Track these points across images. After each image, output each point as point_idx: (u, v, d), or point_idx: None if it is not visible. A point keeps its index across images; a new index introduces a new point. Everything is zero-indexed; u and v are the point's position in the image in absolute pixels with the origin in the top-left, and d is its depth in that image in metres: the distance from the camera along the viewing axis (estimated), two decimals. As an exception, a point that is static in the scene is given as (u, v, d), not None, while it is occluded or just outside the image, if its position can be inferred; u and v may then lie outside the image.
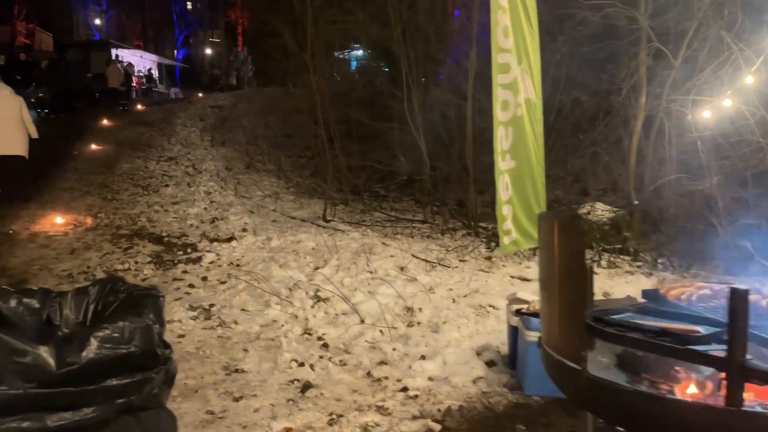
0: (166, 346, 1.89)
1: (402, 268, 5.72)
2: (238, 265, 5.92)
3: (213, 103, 19.49)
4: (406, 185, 10.95)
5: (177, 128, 14.97)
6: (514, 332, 3.55)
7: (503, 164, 3.35)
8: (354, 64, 19.55)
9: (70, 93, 16.28)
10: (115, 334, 1.66)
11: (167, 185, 9.44)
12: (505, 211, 3.46)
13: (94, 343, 1.62)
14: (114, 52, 23.54)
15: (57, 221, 7.07)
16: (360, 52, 17.52)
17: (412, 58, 7.93)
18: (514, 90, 3.32)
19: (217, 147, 13.10)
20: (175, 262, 6.01)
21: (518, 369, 3.46)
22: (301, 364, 3.70)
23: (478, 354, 3.80)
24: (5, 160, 7.56)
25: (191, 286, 5.31)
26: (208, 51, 45.96)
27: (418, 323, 4.40)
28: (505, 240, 3.57)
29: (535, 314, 3.03)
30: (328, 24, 8.79)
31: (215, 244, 6.60)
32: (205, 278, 5.53)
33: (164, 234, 6.95)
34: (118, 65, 19.46)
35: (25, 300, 1.92)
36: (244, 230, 7.14)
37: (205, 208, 8.23)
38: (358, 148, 10.58)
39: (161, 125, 15.22)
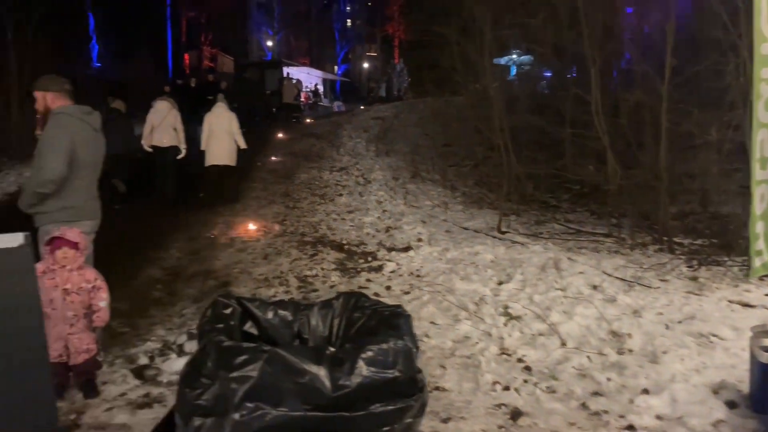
0: (419, 371, 1.78)
1: (595, 287, 5.25)
2: (418, 276, 5.86)
3: (374, 114, 20.10)
4: (579, 195, 10.29)
5: (344, 139, 15.60)
6: (763, 370, 3.00)
7: (762, 174, 2.83)
8: (513, 69, 19.02)
9: (251, 109, 17.74)
10: (380, 357, 1.57)
11: (341, 194, 9.78)
12: (758, 228, 2.93)
13: (362, 365, 1.53)
14: (285, 70, 25.37)
15: (249, 227, 7.59)
16: (520, 57, 16.97)
17: (597, 59, 7.36)
18: (778, 86, 2.80)
19: (382, 157, 13.39)
20: (358, 270, 6.11)
21: (775, 416, 2.90)
22: (506, 388, 3.47)
23: (715, 392, 3.28)
24: (218, 169, 8.67)
25: (377, 295, 5.32)
26: (366, 65, 47.96)
27: (630, 351, 3.95)
28: (756, 261, 3.04)
29: None
30: (503, 28, 8.51)
31: (393, 253, 6.63)
32: (388, 288, 5.54)
33: (344, 242, 7.14)
34: (292, 81, 20.90)
35: (280, 312, 1.92)
36: (420, 240, 7.09)
37: (379, 217, 8.36)
38: (527, 157, 10.15)
39: (329, 137, 15.97)
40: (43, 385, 1.70)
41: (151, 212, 8.40)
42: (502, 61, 16.39)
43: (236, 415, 1.40)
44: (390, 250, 6.78)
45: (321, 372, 1.47)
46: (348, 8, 46.32)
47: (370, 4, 46.23)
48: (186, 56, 36.15)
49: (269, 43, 42.11)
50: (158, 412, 3.33)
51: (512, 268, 5.87)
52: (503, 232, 7.57)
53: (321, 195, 9.75)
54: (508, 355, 3.97)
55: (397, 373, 1.57)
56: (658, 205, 7.33)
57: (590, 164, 9.15)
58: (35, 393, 1.64)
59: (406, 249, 6.76)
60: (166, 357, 4.01)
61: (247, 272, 6.01)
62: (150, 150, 8.65)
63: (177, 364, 3.92)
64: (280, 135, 15.81)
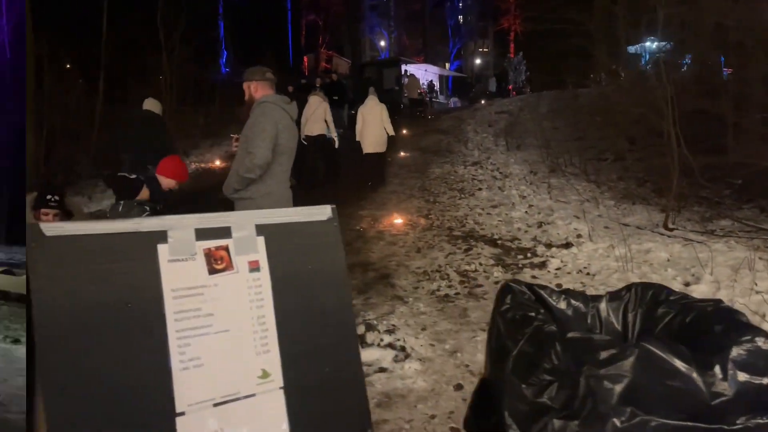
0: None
1: (804, 291, 4.57)
2: (588, 273, 5.46)
3: (498, 109, 19.58)
4: (741, 189, 9.27)
5: (470, 134, 15.29)
6: None
7: None
8: (646, 57, 17.75)
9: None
10: (751, 361, 1.28)
11: (480, 189, 9.49)
12: None
13: (734, 369, 1.26)
14: (403, 67, 25.45)
15: (395, 221, 7.52)
16: (654, 44, 15.75)
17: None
18: None
19: (513, 151, 12.93)
20: (519, 266, 5.81)
21: None
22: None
23: None
24: (370, 157, 9.37)
25: (548, 292, 5.00)
26: (477, 60, 47.12)
27: None
28: None
29: None
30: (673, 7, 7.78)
31: (553, 249, 6.25)
32: (559, 285, 5.18)
33: (496, 237, 6.86)
34: (413, 77, 21.00)
35: (573, 301, 1.70)
36: (579, 236, 6.64)
37: (526, 212, 7.97)
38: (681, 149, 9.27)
39: (454, 132, 15.73)
40: (356, 373, 1.57)
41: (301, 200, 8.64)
42: (631, 49, 15.33)
43: (616, 421, 1.19)
44: (548, 246, 6.40)
45: (693, 374, 1.22)
46: (461, 4, 45.79)
47: (483, -2, 45.38)
48: (305, 59, 37.49)
49: (382, 43, 42.66)
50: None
51: (696, 267, 5.30)
52: (671, 229, 6.91)
53: (459, 189, 9.52)
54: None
55: (769, 380, 1.29)
56: None
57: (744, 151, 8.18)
58: (348, 382, 1.51)
59: (567, 245, 6.34)
60: (350, 347, 3.94)
61: (404, 265, 5.91)
62: (305, 142, 9.10)
63: (361, 354, 3.85)
64: (404, 131, 15.80)
